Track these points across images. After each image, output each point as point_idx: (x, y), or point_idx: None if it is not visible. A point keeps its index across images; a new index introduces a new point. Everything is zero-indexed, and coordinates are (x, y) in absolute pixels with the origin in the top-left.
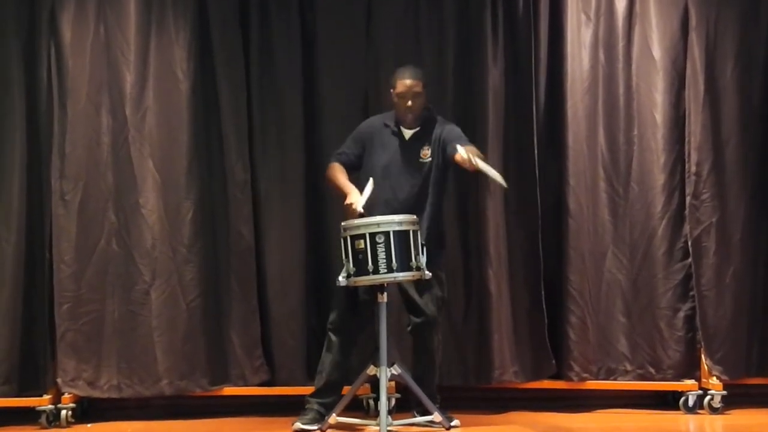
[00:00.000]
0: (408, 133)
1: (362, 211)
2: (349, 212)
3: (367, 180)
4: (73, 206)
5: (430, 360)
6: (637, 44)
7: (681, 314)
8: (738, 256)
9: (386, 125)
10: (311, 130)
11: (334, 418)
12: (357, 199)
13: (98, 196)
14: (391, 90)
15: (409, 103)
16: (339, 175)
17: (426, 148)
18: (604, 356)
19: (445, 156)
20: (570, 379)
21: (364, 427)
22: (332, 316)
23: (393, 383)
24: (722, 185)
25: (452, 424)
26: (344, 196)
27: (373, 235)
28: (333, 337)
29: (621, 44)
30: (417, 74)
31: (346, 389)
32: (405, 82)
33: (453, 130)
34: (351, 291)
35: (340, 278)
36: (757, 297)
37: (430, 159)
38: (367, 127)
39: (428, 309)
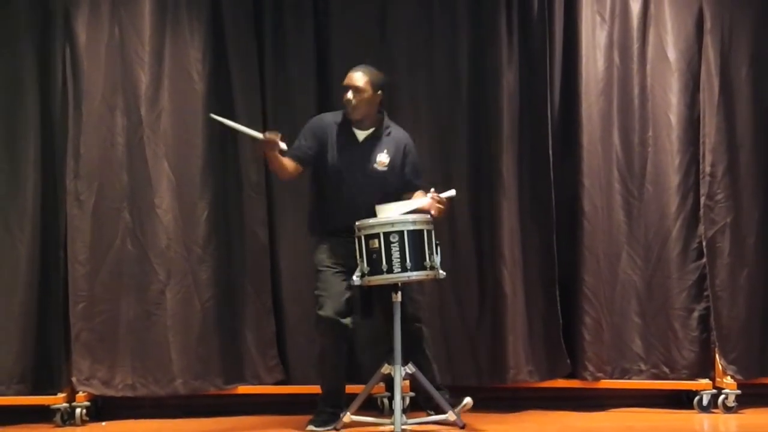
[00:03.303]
0: (361, 135)
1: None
2: (268, 146)
3: (326, 182)
4: (88, 206)
5: (423, 356)
6: (652, 46)
7: (695, 314)
8: (752, 257)
9: (336, 123)
10: None
11: (348, 417)
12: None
13: (113, 197)
14: None
15: (349, 94)
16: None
17: (383, 154)
18: (618, 356)
19: (404, 179)
20: (584, 379)
21: (378, 426)
22: (323, 323)
23: (407, 382)
24: (737, 186)
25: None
26: (265, 153)
27: (387, 235)
28: (327, 343)
29: (636, 46)
30: (363, 71)
31: (356, 388)
32: (349, 75)
33: (416, 162)
34: (341, 295)
35: (354, 278)
36: None
37: (386, 169)
38: (318, 124)
39: (408, 308)
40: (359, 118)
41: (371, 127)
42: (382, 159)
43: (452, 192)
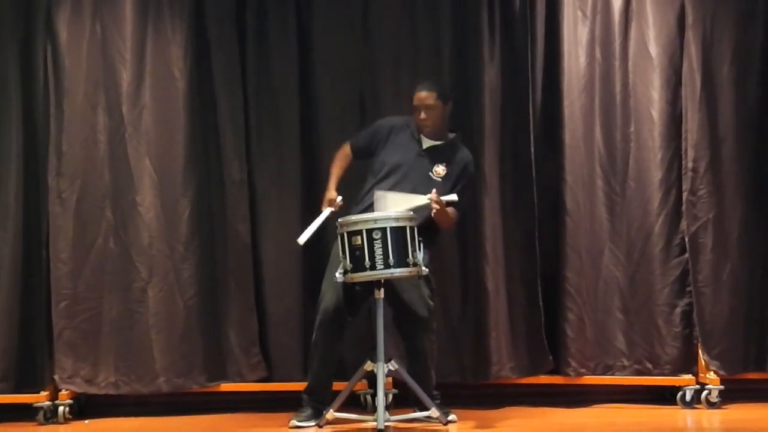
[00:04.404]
0: (427, 143)
1: (333, 207)
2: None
3: (376, 174)
4: (70, 204)
5: (423, 360)
6: (634, 41)
7: (678, 310)
8: (735, 252)
9: (408, 126)
10: (307, 129)
11: (331, 414)
12: (330, 196)
13: (95, 195)
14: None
15: (422, 115)
16: (337, 163)
17: (442, 167)
18: (601, 352)
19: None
20: (567, 375)
21: (361, 423)
22: (320, 313)
23: (390, 379)
24: (719, 182)
25: (449, 418)
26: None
27: (370, 231)
28: (321, 334)
29: (617, 41)
30: (431, 87)
31: (339, 385)
32: (418, 94)
33: (467, 187)
34: (342, 287)
35: (337, 274)
36: (754, 293)
37: (440, 180)
38: (387, 123)
39: (416, 308)
40: (432, 133)
41: (439, 140)
42: (439, 170)
43: (454, 197)
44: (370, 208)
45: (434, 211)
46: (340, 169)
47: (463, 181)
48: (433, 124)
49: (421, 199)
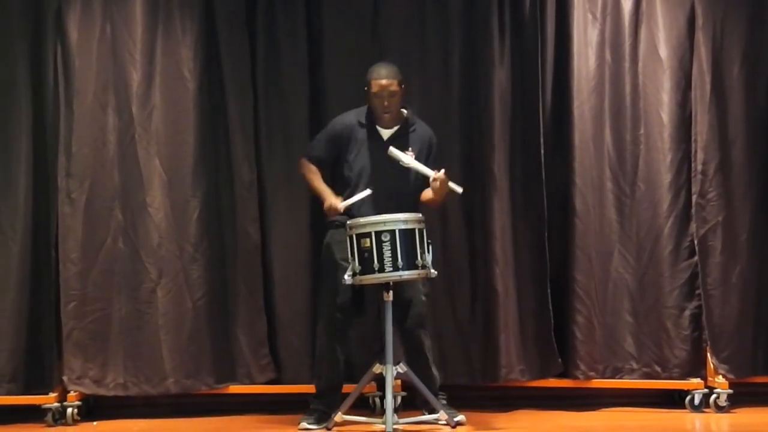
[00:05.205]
0: (386, 133)
1: (341, 210)
2: (330, 215)
3: (347, 182)
4: (80, 205)
5: (425, 358)
6: (644, 43)
7: (687, 313)
8: (744, 255)
9: (360, 123)
10: (317, 130)
11: (340, 417)
12: (334, 200)
13: (105, 195)
14: (366, 89)
15: (386, 103)
16: (314, 177)
17: (408, 153)
18: (610, 355)
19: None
20: (576, 378)
21: (370, 425)
22: (326, 318)
23: (399, 381)
24: (728, 184)
25: (456, 419)
26: (321, 200)
27: (378, 234)
28: (328, 339)
29: (627, 43)
30: (391, 72)
31: (348, 388)
32: (380, 82)
33: (437, 158)
34: (348, 291)
35: (346, 277)
36: (763, 296)
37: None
38: (341, 126)
39: (417, 305)
40: (391, 120)
41: (396, 125)
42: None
43: (459, 189)
44: (370, 211)
45: (436, 185)
46: (320, 181)
47: (432, 157)
48: (396, 109)
49: (426, 171)
